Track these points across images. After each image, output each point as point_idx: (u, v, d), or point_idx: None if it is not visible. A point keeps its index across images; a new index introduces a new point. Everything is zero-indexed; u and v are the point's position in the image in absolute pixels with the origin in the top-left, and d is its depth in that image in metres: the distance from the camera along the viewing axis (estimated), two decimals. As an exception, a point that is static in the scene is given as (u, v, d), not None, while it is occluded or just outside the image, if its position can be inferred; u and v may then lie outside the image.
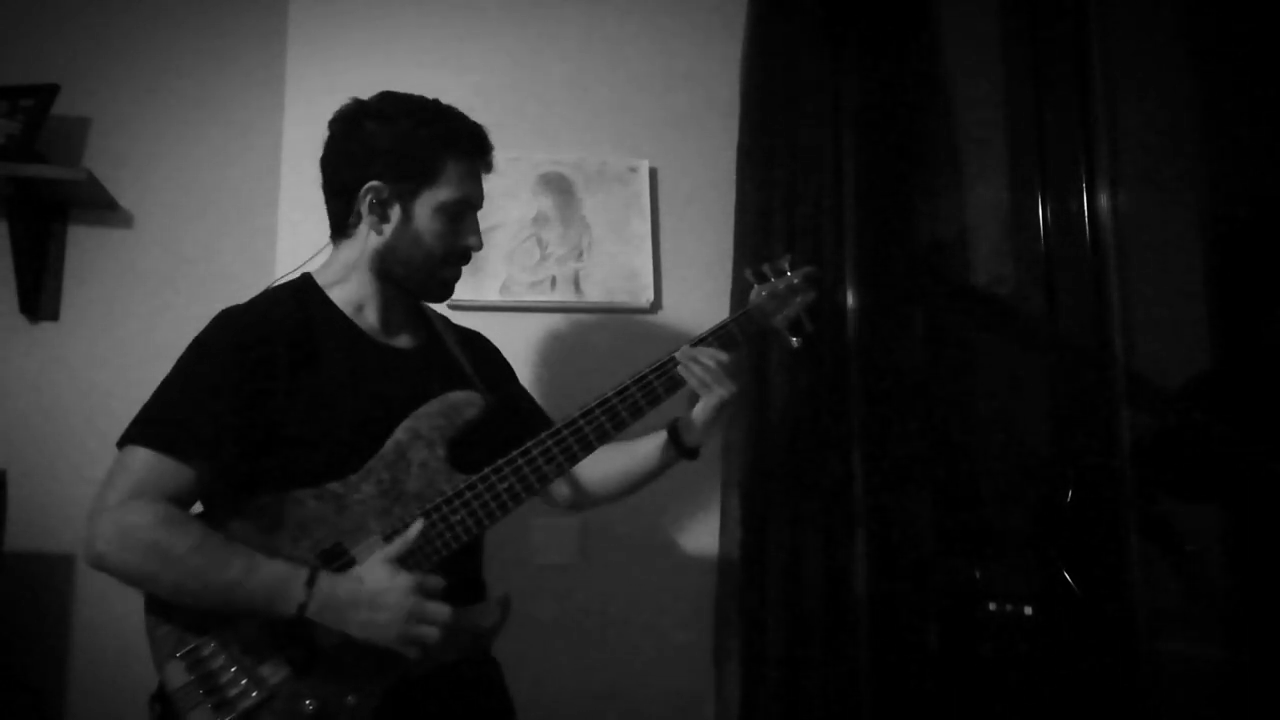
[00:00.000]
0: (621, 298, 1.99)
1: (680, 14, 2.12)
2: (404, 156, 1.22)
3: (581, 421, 1.23)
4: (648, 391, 1.27)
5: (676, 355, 1.28)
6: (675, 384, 1.29)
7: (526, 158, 1.98)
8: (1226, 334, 1.31)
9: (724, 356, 1.29)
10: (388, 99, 1.27)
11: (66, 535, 1.73)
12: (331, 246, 1.31)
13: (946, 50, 1.88)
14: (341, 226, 1.28)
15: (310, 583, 1.06)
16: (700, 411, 1.31)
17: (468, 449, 1.21)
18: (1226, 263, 1.32)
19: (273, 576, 1.06)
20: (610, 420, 1.24)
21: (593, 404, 1.24)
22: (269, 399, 1.12)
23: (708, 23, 2.12)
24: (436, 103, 1.28)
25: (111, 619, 1.71)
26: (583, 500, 1.47)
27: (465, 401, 1.22)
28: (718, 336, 1.33)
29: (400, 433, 1.18)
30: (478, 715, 1.25)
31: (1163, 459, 1.36)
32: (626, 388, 1.26)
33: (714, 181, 2.05)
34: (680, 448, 1.36)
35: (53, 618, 1.73)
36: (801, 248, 1.89)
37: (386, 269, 1.25)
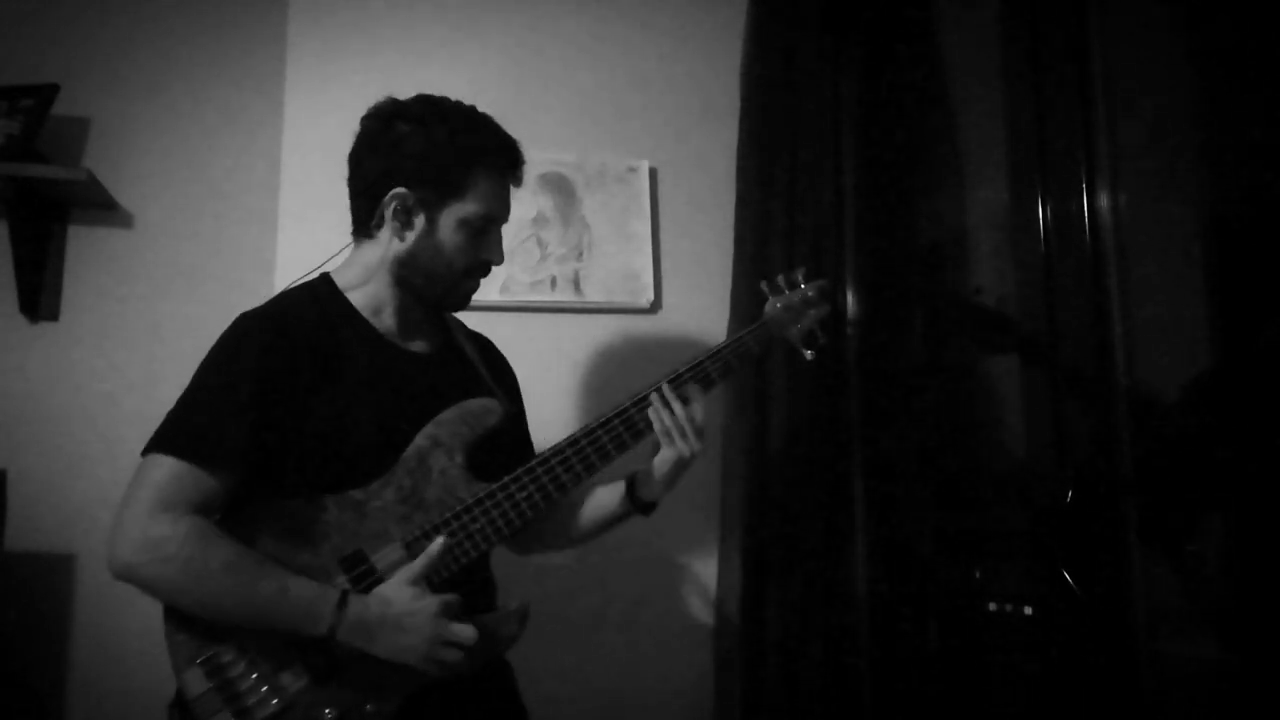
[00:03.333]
0: (621, 298, 1.99)
1: (680, 14, 2.12)
2: (433, 166, 1.20)
3: (600, 431, 1.22)
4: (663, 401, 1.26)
5: (652, 396, 1.24)
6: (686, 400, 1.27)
7: (526, 157, 1.97)
8: (1226, 335, 1.31)
9: (698, 414, 1.25)
10: (425, 103, 1.24)
11: (66, 535, 1.73)
12: (352, 245, 1.29)
13: (946, 51, 1.88)
14: (364, 227, 1.25)
15: (341, 605, 1.06)
16: (660, 464, 1.27)
17: (485, 456, 1.21)
18: (1226, 263, 1.32)
19: (303, 598, 1.05)
20: (627, 430, 1.23)
21: (610, 414, 1.23)
22: (292, 405, 1.11)
23: (708, 23, 2.12)
24: (473, 111, 1.25)
25: (111, 619, 1.71)
26: (536, 545, 1.46)
27: (485, 409, 1.21)
28: (733, 349, 1.32)
29: (421, 439, 1.17)
30: (492, 719, 1.25)
31: (1162, 459, 1.36)
32: (644, 396, 1.25)
33: (714, 181, 2.05)
34: (636, 501, 1.32)
35: (53, 618, 1.73)
36: (801, 248, 1.89)
37: (405, 277, 1.23)
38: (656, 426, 1.23)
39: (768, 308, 1.39)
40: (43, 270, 1.80)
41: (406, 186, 1.20)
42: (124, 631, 1.67)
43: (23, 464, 1.71)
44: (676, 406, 1.24)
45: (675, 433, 1.23)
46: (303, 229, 1.89)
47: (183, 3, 1.97)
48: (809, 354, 1.41)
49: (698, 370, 1.28)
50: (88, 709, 1.71)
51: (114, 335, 1.84)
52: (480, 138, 1.23)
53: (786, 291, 1.41)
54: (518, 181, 1.29)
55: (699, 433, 1.25)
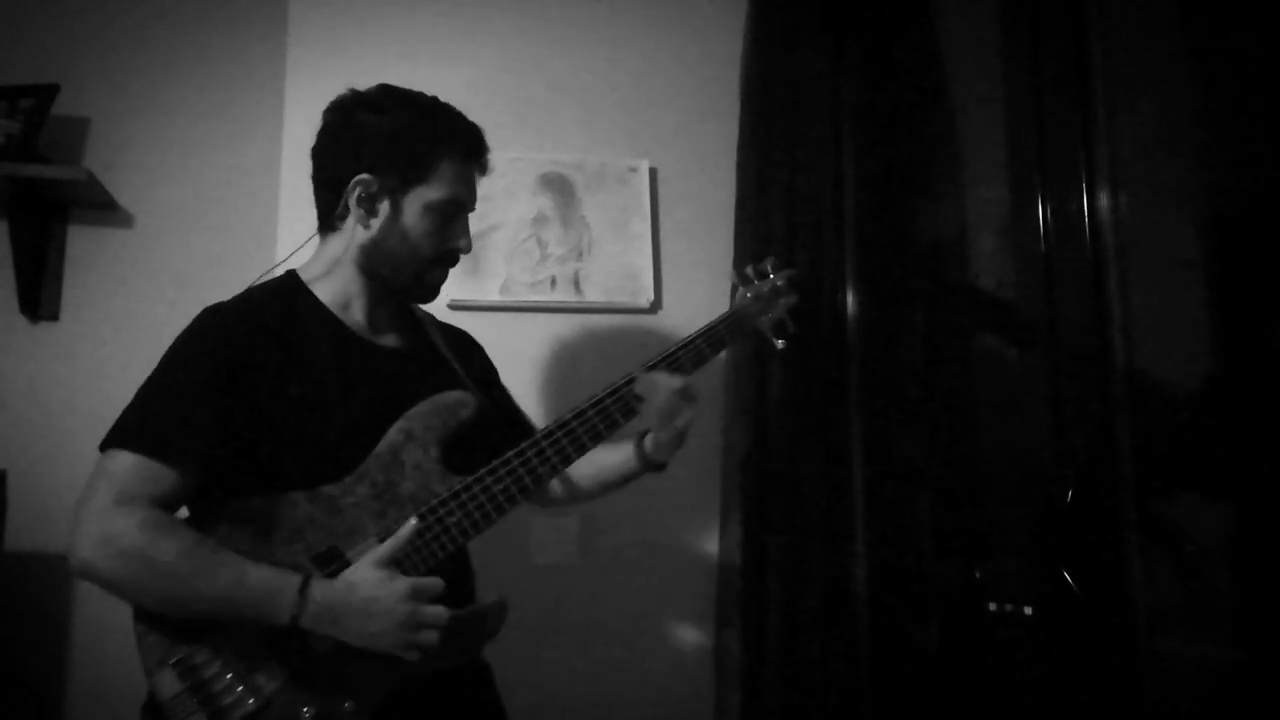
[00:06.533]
0: (621, 298, 1.99)
1: (680, 14, 2.13)
2: (396, 151, 1.19)
3: (574, 422, 1.22)
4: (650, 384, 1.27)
5: (635, 382, 1.26)
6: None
7: (526, 158, 1.98)
8: (1226, 334, 1.31)
9: (677, 383, 1.26)
10: (385, 91, 1.24)
11: (66, 535, 1.73)
12: (318, 240, 1.28)
13: (946, 50, 1.88)
14: (329, 219, 1.24)
15: (302, 591, 1.03)
16: (664, 435, 1.30)
17: (460, 449, 1.20)
18: (1226, 263, 1.32)
19: (263, 585, 1.03)
20: (602, 420, 1.23)
21: (584, 404, 1.23)
22: (256, 400, 1.09)
23: (708, 23, 2.12)
24: (435, 99, 1.25)
25: (111, 619, 1.70)
26: (554, 500, 1.47)
27: (458, 402, 1.20)
28: (706, 338, 1.33)
29: (394, 433, 1.16)
30: (472, 718, 1.24)
31: (1162, 459, 1.36)
32: (619, 387, 1.25)
33: (714, 181, 2.05)
34: (646, 461, 1.35)
35: (53, 618, 1.73)
36: (801, 248, 1.89)
37: (372, 266, 1.23)
38: (648, 418, 1.26)
39: (738, 298, 1.42)
40: (43, 270, 1.81)
41: (371, 173, 1.19)
42: (124, 631, 1.65)
43: (23, 464, 1.71)
44: (661, 386, 1.26)
45: (666, 412, 1.26)
46: (303, 229, 1.87)
47: (183, 3, 1.97)
48: (779, 343, 1.44)
49: (671, 360, 1.30)
50: (88, 709, 1.71)
51: (114, 335, 1.84)
52: (443, 123, 1.23)
53: (756, 282, 1.43)
54: (483, 169, 1.29)
55: (688, 400, 1.27)
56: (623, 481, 1.40)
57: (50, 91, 1.78)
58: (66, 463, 1.76)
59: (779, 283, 1.43)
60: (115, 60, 1.92)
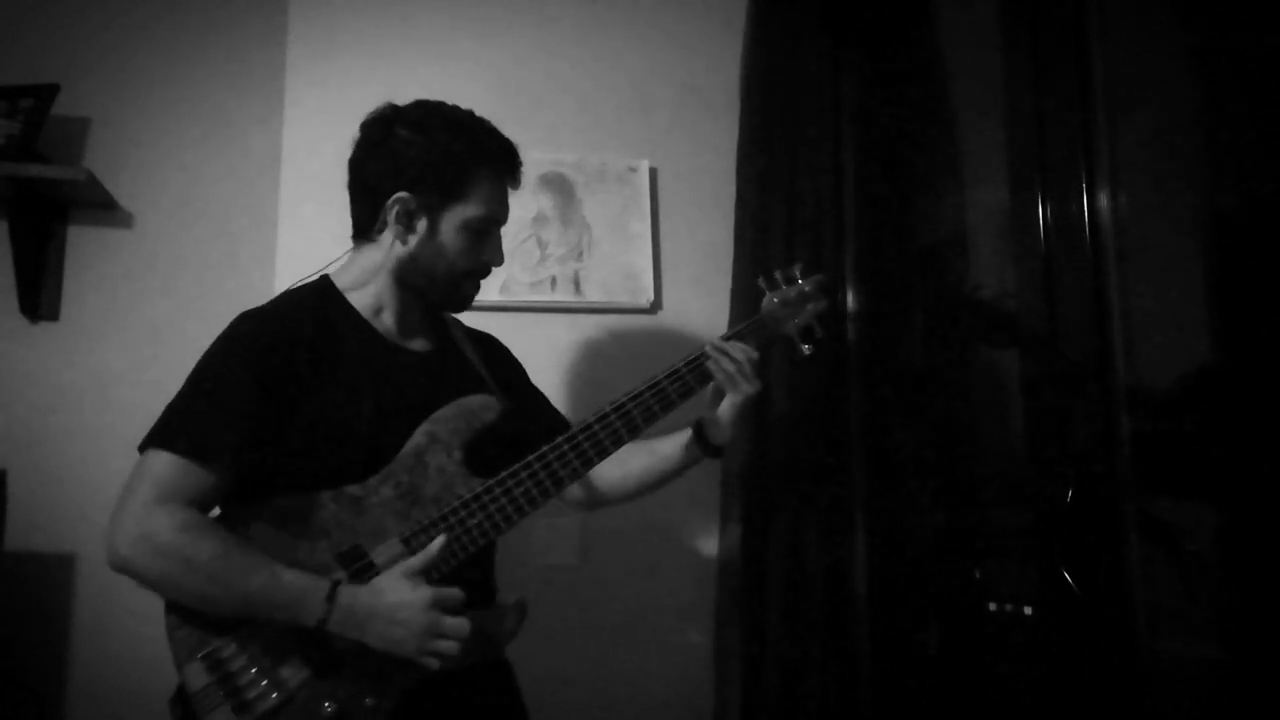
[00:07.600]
0: (621, 298, 1.99)
1: (680, 14, 2.13)
2: (434, 170, 1.22)
3: (596, 426, 1.24)
4: (661, 397, 1.27)
5: (707, 349, 1.30)
6: (688, 390, 1.30)
7: (526, 157, 1.96)
8: (1226, 335, 1.31)
9: (754, 353, 1.31)
10: (423, 108, 1.26)
11: (66, 535, 1.73)
12: (352, 248, 1.30)
13: (946, 51, 1.88)
14: (365, 230, 1.27)
15: (330, 597, 1.07)
16: (726, 409, 1.33)
17: (483, 452, 1.22)
18: (1226, 263, 1.33)
19: (294, 588, 1.07)
20: (625, 424, 1.25)
21: (607, 408, 1.25)
22: (289, 402, 1.12)
23: (708, 22, 2.12)
24: (471, 115, 1.27)
25: (111, 619, 1.71)
26: (598, 500, 1.48)
27: (482, 405, 1.22)
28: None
29: (418, 436, 1.18)
30: (492, 716, 1.26)
31: (1163, 459, 1.36)
32: (640, 393, 1.26)
33: (714, 181, 2.05)
34: (706, 446, 1.37)
35: (53, 618, 1.73)
36: (801, 248, 1.89)
37: (408, 279, 1.26)
38: (720, 376, 1.30)
39: (765, 303, 1.41)
40: (43, 270, 1.81)
41: (409, 190, 1.21)
42: (124, 631, 1.67)
43: (23, 464, 1.71)
44: (734, 351, 1.29)
45: (738, 373, 1.29)
46: (303, 229, 1.89)
47: (183, 3, 1.97)
48: (807, 349, 1.42)
49: (694, 366, 1.30)
50: (88, 709, 1.71)
51: (114, 335, 1.84)
52: (480, 141, 1.25)
53: (784, 287, 1.42)
54: (516, 184, 1.31)
55: (759, 372, 1.31)
56: (674, 473, 1.42)
57: (50, 91, 1.78)
58: (66, 463, 1.77)
59: (807, 288, 1.42)
60: (115, 60, 1.92)
